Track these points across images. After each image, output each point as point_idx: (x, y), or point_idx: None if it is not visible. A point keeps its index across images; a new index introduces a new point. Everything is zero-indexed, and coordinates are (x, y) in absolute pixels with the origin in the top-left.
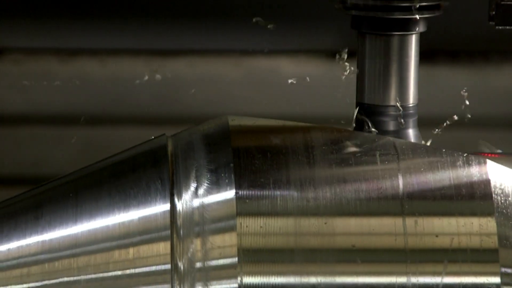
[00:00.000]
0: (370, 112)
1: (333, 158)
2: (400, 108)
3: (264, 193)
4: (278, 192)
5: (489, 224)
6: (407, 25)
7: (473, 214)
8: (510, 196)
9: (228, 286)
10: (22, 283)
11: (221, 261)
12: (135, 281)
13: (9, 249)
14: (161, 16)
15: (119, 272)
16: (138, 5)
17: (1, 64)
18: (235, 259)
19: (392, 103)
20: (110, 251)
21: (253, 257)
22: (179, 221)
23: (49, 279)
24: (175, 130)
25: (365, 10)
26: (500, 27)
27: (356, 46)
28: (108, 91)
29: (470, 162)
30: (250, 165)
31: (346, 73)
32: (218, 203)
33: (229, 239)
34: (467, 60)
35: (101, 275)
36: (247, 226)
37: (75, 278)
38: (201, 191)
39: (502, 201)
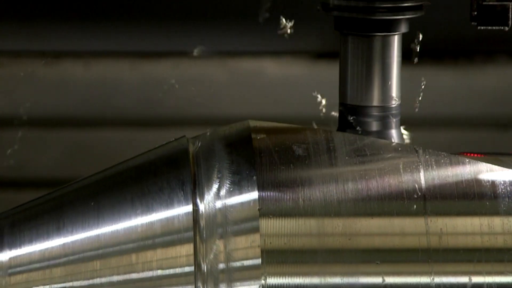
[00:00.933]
0: (353, 113)
1: (354, 160)
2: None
3: (287, 193)
4: (300, 193)
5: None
6: (389, 26)
7: (496, 213)
8: None
9: (251, 287)
10: (44, 285)
11: (245, 262)
12: (158, 283)
13: (31, 252)
14: (145, 19)
15: (142, 274)
16: (122, 8)
17: None
18: (259, 260)
19: (374, 103)
20: (132, 253)
21: (277, 258)
22: (202, 223)
23: (72, 281)
24: (160, 131)
25: (347, 11)
26: (482, 28)
27: (339, 47)
28: (92, 93)
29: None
30: (271, 166)
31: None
32: (241, 204)
33: (253, 240)
34: (451, 61)
35: (124, 277)
36: (270, 227)
37: (98, 280)
38: (223, 192)
39: None
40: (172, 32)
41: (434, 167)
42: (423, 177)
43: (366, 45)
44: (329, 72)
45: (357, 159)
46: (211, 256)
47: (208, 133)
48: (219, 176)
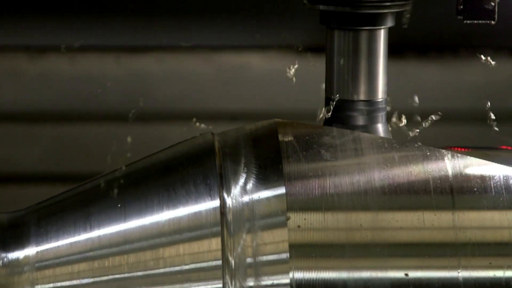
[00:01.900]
0: (340, 107)
1: (382, 153)
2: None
3: (314, 188)
4: (327, 187)
5: None
6: (376, 20)
7: None
8: None
9: (279, 281)
10: (71, 280)
11: (272, 257)
12: (186, 277)
13: (58, 247)
14: (130, 13)
15: (170, 269)
16: (107, 2)
17: None
18: (286, 255)
19: (361, 97)
20: (160, 247)
21: (304, 252)
22: (229, 217)
23: (99, 276)
24: (146, 127)
25: (333, 5)
26: (468, 21)
27: (324, 41)
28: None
29: None
30: (298, 160)
31: None
32: (268, 198)
33: (280, 235)
34: (436, 55)
35: (151, 271)
36: (297, 221)
37: (125, 275)
38: (250, 186)
39: None
40: (157, 27)
41: (461, 161)
42: (451, 171)
43: (352, 39)
44: (316, 66)
45: (385, 154)
46: (239, 250)
47: (233, 129)
48: (245, 170)
